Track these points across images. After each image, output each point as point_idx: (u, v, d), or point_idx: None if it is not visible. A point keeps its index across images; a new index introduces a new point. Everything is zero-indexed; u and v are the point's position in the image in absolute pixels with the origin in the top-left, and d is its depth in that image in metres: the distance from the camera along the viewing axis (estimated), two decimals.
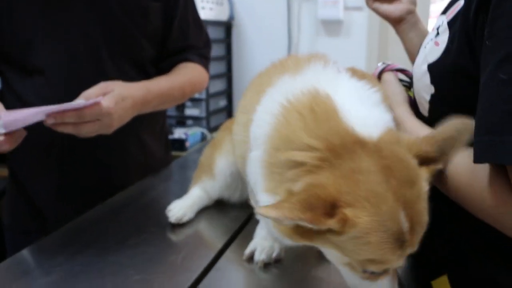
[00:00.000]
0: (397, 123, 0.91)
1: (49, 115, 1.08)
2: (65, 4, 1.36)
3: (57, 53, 1.37)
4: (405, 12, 1.21)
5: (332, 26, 3.52)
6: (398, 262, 0.71)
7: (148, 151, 1.64)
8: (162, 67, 1.60)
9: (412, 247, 0.71)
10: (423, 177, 0.72)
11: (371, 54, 3.45)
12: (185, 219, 1.26)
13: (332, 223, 0.65)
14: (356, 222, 0.65)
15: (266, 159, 0.77)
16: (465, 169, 0.72)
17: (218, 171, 1.30)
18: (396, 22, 1.22)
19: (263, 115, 0.82)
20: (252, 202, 1.12)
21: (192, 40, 1.64)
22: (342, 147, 0.69)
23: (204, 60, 1.68)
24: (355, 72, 0.89)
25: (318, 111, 0.74)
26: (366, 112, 0.77)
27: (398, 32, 1.24)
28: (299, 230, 0.69)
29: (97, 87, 1.21)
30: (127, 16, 1.44)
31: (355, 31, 3.48)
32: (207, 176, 1.33)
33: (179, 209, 1.27)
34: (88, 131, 1.16)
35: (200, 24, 1.69)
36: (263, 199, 0.78)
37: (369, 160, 0.69)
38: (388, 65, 1.03)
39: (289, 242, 0.76)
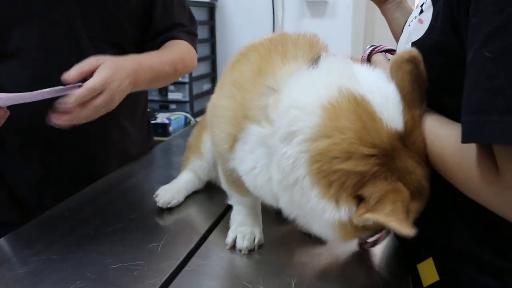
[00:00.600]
0: None
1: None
2: None
3: (34, 35, 1.33)
4: None
5: (317, 7, 3.49)
6: None
7: (130, 137, 1.61)
8: (148, 47, 1.54)
9: None
10: None
11: (357, 35, 3.43)
12: (174, 202, 1.24)
13: None
14: None
15: (318, 165, 0.75)
16: (453, 148, 0.71)
17: (206, 150, 1.29)
18: (381, 2, 1.20)
19: (299, 112, 0.79)
20: (224, 187, 1.10)
21: (177, 18, 1.59)
22: (392, 149, 0.75)
23: (192, 37, 1.63)
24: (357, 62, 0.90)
25: (364, 117, 0.75)
26: (393, 106, 0.78)
27: (383, 12, 1.22)
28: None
29: (89, 59, 1.18)
30: None
31: (341, 12, 3.45)
32: (195, 156, 1.32)
33: (165, 192, 1.25)
34: (88, 113, 1.14)
35: (182, 1, 1.65)
36: (320, 206, 0.77)
37: (411, 154, 0.77)
38: (377, 46, 1.02)
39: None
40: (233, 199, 1.09)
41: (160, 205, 1.23)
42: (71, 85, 1.09)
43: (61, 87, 1.08)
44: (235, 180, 1.01)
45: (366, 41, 3.54)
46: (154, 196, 1.25)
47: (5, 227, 1.21)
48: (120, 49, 1.47)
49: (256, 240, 1.03)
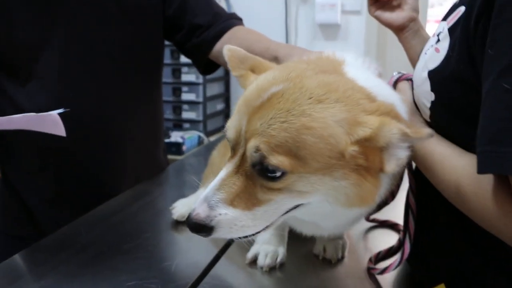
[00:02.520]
0: None
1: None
2: (63, 6, 1.34)
3: (54, 59, 1.36)
4: (408, 20, 1.20)
5: (329, 30, 3.52)
6: None
7: (145, 156, 1.63)
8: (198, 41, 1.51)
9: None
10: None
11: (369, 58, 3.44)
12: None
13: None
14: None
15: None
16: (470, 178, 0.71)
17: None
18: (399, 30, 1.21)
19: None
20: None
21: (215, 8, 1.57)
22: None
23: (241, 21, 1.59)
24: None
25: None
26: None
27: (400, 39, 1.23)
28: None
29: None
30: (127, 19, 1.42)
31: (353, 35, 3.47)
32: None
33: (183, 205, 1.27)
34: None
35: None
36: None
37: None
38: (403, 74, 1.03)
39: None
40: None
41: (175, 218, 1.24)
42: (50, 112, 1.02)
43: (43, 113, 1.01)
44: None
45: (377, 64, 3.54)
46: (170, 208, 1.27)
47: (19, 242, 1.23)
48: (141, 69, 1.49)
49: (278, 259, 1.04)
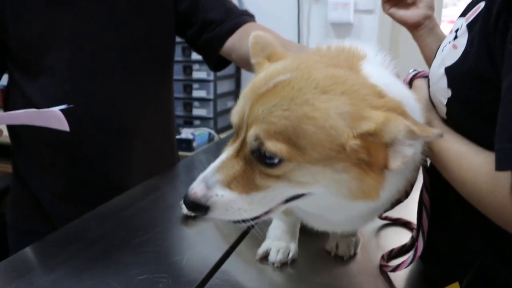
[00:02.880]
0: None
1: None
2: (73, 2, 1.35)
3: (65, 53, 1.36)
4: (422, 17, 1.18)
5: (342, 29, 3.50)
6: None
7: (156, 152, 1.63)
8: (209, 37, 1.51)
9: None
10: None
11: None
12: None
13: None
14: None
15: None
16: (487, 176, 0.70)
17: None
18: (414, 27, 1.20)
19: None
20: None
21: (228, 4, 1.57)
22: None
23: (254, 18, 1.58)
24: None
25: None
26: None
27: (415, 37, 1.22)
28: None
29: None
30: (139, 13, 1.42)
31: (366, 34, 3.45)
32: None
33: None
34: None
35: None
36: None
37: None
38: (419, 71, 1.02)
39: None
40: (277, 216, 1.09)
41: (185, 213, 1.25)
42: (52, 108, 1.01)
43: (45, 109, 1.00)
44: None
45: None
46: (180, 203, 1.27)
47: (30, 236, 1.23)
48: (152, 64, 1.49)
49: (290, 256, 1.04)
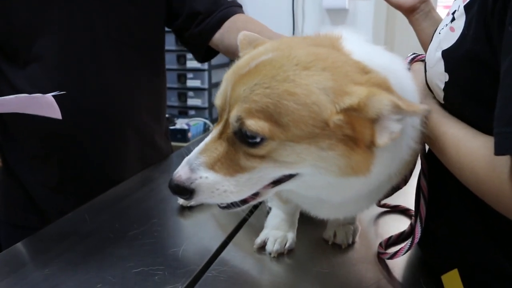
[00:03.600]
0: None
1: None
2: None
3: (54, 41, 1.34)
4: (418, 1, 1.16)
5: (337, 15, 3.48)
6: None
7: (149, 142, 1.62)
8: (197, 31, 1.51)
9: None
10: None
11: (377, 43, 3.40)
12: (194, 202, 1.24)
13: None
14: None
15: None
16: (485, 160, 0.69)
17: None
18: (409, 12, 1.18)
19: None
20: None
21: None
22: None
23: (241, 8, 1.57)
24: None
25: None
26: None
27: (411, 22, 1.20)
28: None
29: None
30: (130, 2, 1.40)
31: (361, 20, 3.43)
32: None
33: None
34: None
35: None
36: None
37: None
38: (418, 55, 1.01)
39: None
40: (273, 202, 1.09)
41: (181, 204, 1.24)
42: (44, 94, 0.99)
43: (36, 94, 0.97)
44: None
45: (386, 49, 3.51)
46: None
47: (23, 231, 1.21)
48: (141, 52, 1.47)
49: (287, 245, 1.03)
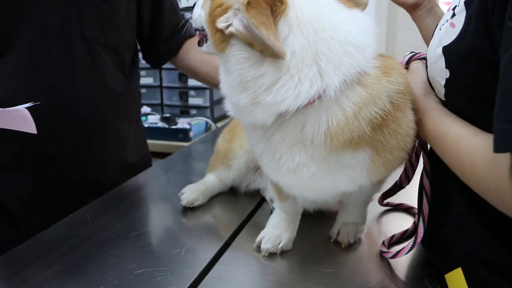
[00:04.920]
0: (422, 113, 0.89)
1: None
2: None
3: (25, 38, 1.27)
4: None
5: None
6: None
7: (127, 144, 1.55)
8: (167, 47, 1.61)
9: None
10: None
11: (378, 40, 3.40)
12: (197, 203, 1.25)
13: None
14: None
15: None
16: (485, 158, 0.69)
17: (235, 165, 1.31)
18: (412, 8, 1.17)
19: None
20: (269, 190, 1.10)
21: (177, 16, 1.62)
22: None
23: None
24: None
25: None
26: None
27: (414, 18, 1.19)
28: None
29: None
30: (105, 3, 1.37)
31: None
32: (223, 166, 1.32)
33: (191, 192, 1.26)
34: None
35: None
36: None
37: None
38: (417, 53, 1.00)
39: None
40: (276, 203, 1.10)
41: (184, 204, 1.24)
42: (18, 107, 0.93)
43: (9, 108, 0.93)
44: (278, 187, 1.03)
45: (387, 45, 3.50)
46: (179, 194, 1.26)
47: None
48: (114, 53, 1.43)
49: (280, 245, 1.03)
